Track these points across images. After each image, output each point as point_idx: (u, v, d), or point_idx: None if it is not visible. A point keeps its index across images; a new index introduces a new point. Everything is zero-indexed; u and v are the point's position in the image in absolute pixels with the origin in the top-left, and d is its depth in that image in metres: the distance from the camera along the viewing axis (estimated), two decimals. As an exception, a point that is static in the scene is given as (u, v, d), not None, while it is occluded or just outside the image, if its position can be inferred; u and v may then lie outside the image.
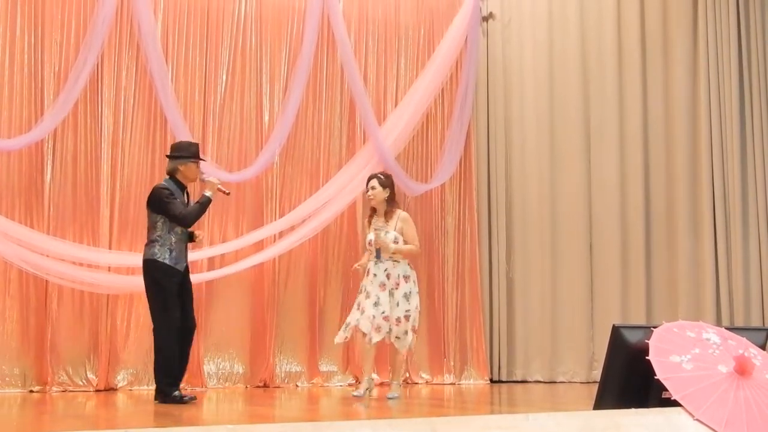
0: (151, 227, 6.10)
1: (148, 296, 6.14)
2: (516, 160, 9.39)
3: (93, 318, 7.58)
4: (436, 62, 9.02)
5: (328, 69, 8.72)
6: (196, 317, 7.87)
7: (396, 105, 8.91)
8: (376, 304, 6.33)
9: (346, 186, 8.44)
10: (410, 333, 6.39)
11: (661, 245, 9.16)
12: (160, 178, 7.63)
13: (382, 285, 6.40)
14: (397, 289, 6.38)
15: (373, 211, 6.68)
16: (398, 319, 6.36)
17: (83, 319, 7.56)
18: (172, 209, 6.02)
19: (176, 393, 5.89)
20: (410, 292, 6.41)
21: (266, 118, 8.41)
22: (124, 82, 7.87)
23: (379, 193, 6.57)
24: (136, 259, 7.46)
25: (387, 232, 6.45)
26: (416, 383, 8.70)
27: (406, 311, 6.36)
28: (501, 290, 9.19)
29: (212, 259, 7.99)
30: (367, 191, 6.68)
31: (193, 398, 6.13)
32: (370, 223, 6.67)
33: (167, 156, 6.38)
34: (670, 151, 9.24)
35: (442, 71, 9.04)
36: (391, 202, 6.62)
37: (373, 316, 6.30)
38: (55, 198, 7.57)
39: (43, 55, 7.63)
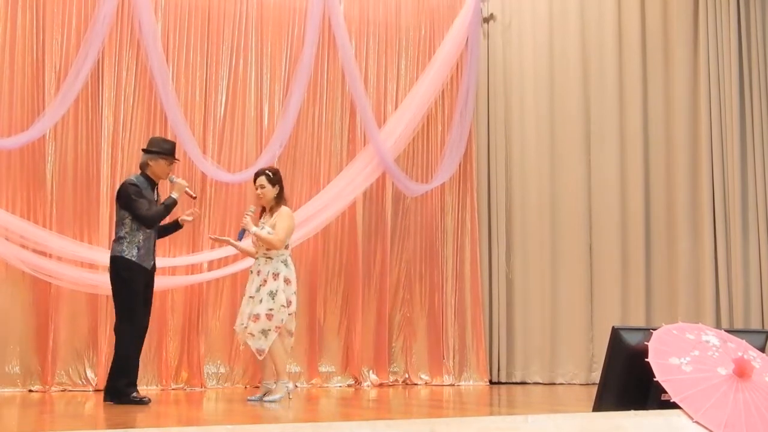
0: (119, 223, 6.00)
1: (114, 294, 6.03)
2: (516, 161, 9.41)
3: (92, 318, 7.59)
4: (437, 64, 9.03)
5: (329, 70, 8.73)
6: (195, 317, 7.97)
7: (396, 106, 8.93)
8: (244, 302, 6.22)
9: (345, 187, 8.45)
10: (273, 333, 6.01)
11: (660, 247, 9.16)
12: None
13: (252, 282, 6.21)
14: (264, 285, 6.09)
15: (263, 209, 6.37)
16: (256, 316, 6.02)
17: (83, 318, 7.57)
18: (137, 208, 5.92)
19: (134, 395, 5.82)
20: (276, 290, 6.05)
21: (267, 118, 8.42)
22: (124, 82, 7.88)
23: (269, 192, 6.26)
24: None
25: (263, 226, 6.18)
26: (415, 384, 8.71)
27: (269, 310, 6.01)
28: (500, 291, 9.21)
29: (212, 260, 7.99)
30: (256, 189, 6.30)
31: (149, 400, 6.02)
32: (260, 218, 6.35)
33: (142, 150, 6.32)
34: (670, 152, 9.24)
35: (442, 73, 9.05)
36: (279, 199, 6.30)
37: (240, 314, 6.21)
38: (56, 198, 7.59)
39: (44, 55, 7.64)
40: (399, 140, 8.75)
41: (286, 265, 6.19)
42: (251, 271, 6.29)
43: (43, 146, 7.57)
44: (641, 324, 8.66)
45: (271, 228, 6.16)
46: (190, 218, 6.36)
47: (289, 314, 6.11)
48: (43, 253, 7.38)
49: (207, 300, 8.04)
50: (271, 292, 6.06)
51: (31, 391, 7.30)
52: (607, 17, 9.45)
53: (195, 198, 6.53)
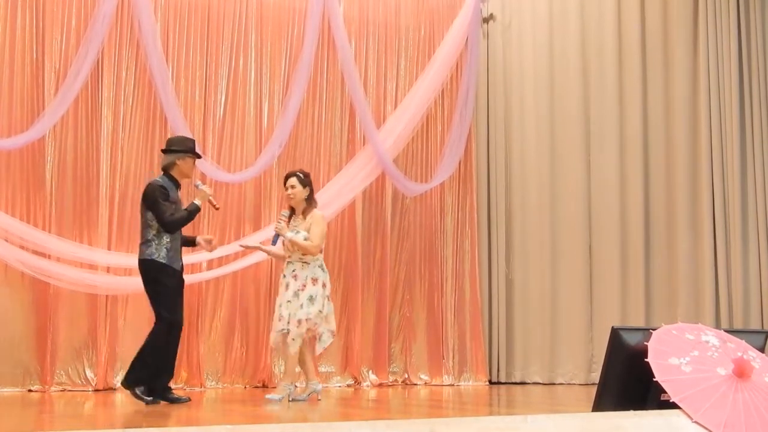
0: (146, 225, 5.93)
1: (150, 296, 5.97)
2: (516, 162, 9.41)
3: (92, 318, 7.59)
4: (437, 63, 9.03)
5: (329, 70, 8.73)
6: (195, 317, 7.97)
7: (396, 106, 8.92)
8: (281, 305, 6.22)
9: (345, 186, 8.44)
10: (306, 336, 6.09)
11: (660, 247, 9.16)
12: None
13: (287, 286, 6.22)
14: (303, 290, 6.14)
15: (293, 210, 6.41)
16: (299, 321, 6.08)
17: (82, 319, 7.57)
18: (162, 212, 5.87)
19: (172, 393, 5.84)
20: (315, 295, 6.13)
21: (266, 118, 8.42)
22: (124, 81, 7.87)
23: (299, 192, 6.30)
24: (135, 260, 7.48)
25: (297, 231, 6.22)
26: (415, 384, 8.71)
27: (308, 314, 6.09)
28: (500, 291, 9.20)
29: (212, 259, 7.99)
30: (286, 190, 6.36)
31: (188, 399, 6.06)
32: (289, 221, 6.38)
33: (163, 151, 6.23)
34: (669, 152, 9.24)
35: (442, 72, 9.05)
36: (310, 200, 6.37)
37: (279, 319, 6.20)
38: (55, 198, 7.58)
39: (44, 55, 7.63)
40: (398, 140, 8.76)
41: (322, 269, 6.29)
42: (284, 275, 6.31)
43: (43, 146, 7.57)
44: (641, 324, 8.66)
45: (306, 232, 6.20)
46: (206, 246, 6.32)
47: (324, 316, 6.19)
48: (42, 254, 7.38)
49: (206, 299, 8.04)
50: (311, 297, 6.14)
51: (30, 390, 7.29)
52: (607, 17, 9.45)
53: (218, 209, 6.53)
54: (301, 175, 6.38)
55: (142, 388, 5.82)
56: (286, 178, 6.41)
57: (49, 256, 7.42)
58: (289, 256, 6.30)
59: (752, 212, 8.85)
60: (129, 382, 5.88)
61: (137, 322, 7.64)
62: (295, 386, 6.24)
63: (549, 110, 9.42)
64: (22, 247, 7.27)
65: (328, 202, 8.31)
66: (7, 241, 7.19)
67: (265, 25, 8.50)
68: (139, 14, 7.77)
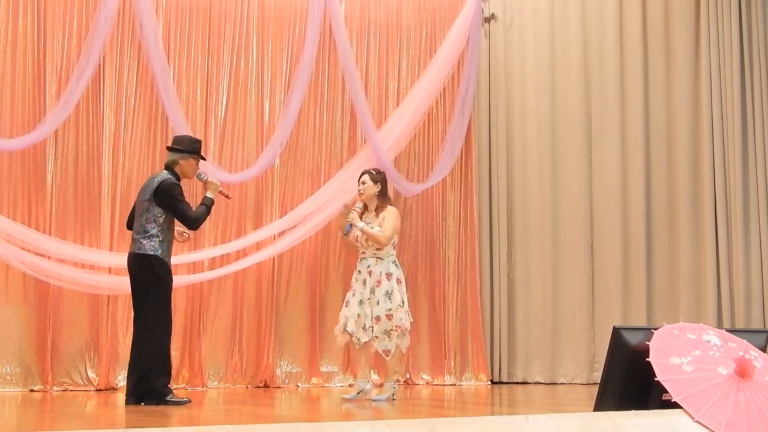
0: (151, 220, 5.80)
1: (146, 294, 5.80)
2: (517, 161, 9.40)
3: (93, 317, 7.59)
4: (438, 63, 9.02)
5: (330, 70, 8.73)
6: (196, 317, 7.97)
7: (398, 105, 8.92)
8: (361, 302, 6.26)
9: (345, 184, 8.44)
10: (394, 332, 6.19)
11: (662, 246, 9.14)
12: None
13: (364, 282, 6.30)
14: (378, 287, 6.21)
15: (366, 206, 6.51)
16: (377, 318, 6.17)
17: (84, 318, 7.57)
18: (184, 209, 5.83)
19: (171, 396, 5.77)
20: (392, 290, 6.20)
21: (267, 118, 8.42)
22: (125, 82, 7.88)
23: (369, 188, 6.43)
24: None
25: (372, 227, 6.30)
26: (416, 384, 8.71)
27: (388, 310, 6.16)
28: (502, 291, 9.19)
29: (213, 259, 8.00)
30: (359, 186, 6.54)
31: (188, 400, 6.03)
32: (361, 216, 6.45)
33: (168, 148, 6.16)
34: (671, 151, 9.22)
35: (443, 72, 9.04)
36: (382, 197, 6.46)
37: (358, 315, 6.24)
38: (57, 199, 7.59)
39: (46, 55, 7.64)
40: (399, 139, 8.75)
41: (396, 265, 6.38)
42: (358, 271, 6.39)
43: (44, 147, 7.57)
44: (642, 324, 8.65)
45: (379, 226, 6.30)
46: (179, 237, 6.18)
47: (406, 311, 6.29)
48: (43, 255, 7.37)
49: (208, 299, 8.04)
50: (387, 292, 6.21)
51: (32, 390, 7.30)
52: (608, 16, 9.43)
53: (229, 198, 6.54)
54: (373, 172, 6.57)
55: (170, 393, 5.71)
56: (360, 175, 6.58)
57: (50, 257, 7.41)
58: (363, 252, 6.38)
59: (754, 211, 8.83)
60: (156, 401, 5.65)
61: (139, 322, 7.65)
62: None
63: (550, 109, 9.41)
64: (23, 248, 7.26)
65: (329, 201, 8.32)
66: (8, 242, 7.19)
67: (266, 25, 8.51)
68: (141, 15, 7.77)
